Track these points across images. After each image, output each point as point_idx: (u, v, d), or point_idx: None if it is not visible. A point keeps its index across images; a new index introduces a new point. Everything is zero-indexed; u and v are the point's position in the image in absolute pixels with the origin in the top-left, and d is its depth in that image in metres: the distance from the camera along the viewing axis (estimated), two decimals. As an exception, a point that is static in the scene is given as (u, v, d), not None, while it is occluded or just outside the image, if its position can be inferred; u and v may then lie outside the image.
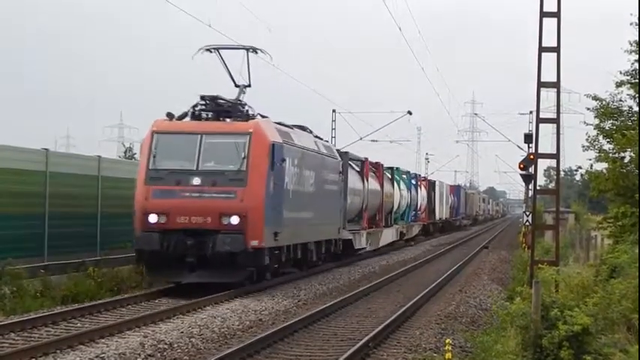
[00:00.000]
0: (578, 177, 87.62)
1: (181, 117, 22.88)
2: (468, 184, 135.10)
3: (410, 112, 60.36)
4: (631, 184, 22.86)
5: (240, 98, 24.14)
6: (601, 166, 25.16)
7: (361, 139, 60.46)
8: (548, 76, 20.50)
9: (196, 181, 21.52)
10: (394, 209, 47.12)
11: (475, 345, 15.38)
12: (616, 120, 24.63)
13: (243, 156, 21.76)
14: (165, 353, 14.04)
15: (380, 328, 16.78)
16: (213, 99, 23.09)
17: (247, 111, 23.44)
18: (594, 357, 12.52)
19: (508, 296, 21.66)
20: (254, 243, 21.47)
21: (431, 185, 65.88)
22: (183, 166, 21.90)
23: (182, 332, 15.73)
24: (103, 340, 14.63)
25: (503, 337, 14.85)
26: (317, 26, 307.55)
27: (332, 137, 58.12)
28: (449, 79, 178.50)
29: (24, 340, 14.97)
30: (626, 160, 23.87)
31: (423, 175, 66.26)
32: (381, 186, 42.34)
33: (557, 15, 20.21)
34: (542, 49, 20.27)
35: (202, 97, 23.08)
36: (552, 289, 17.48)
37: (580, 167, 30.72)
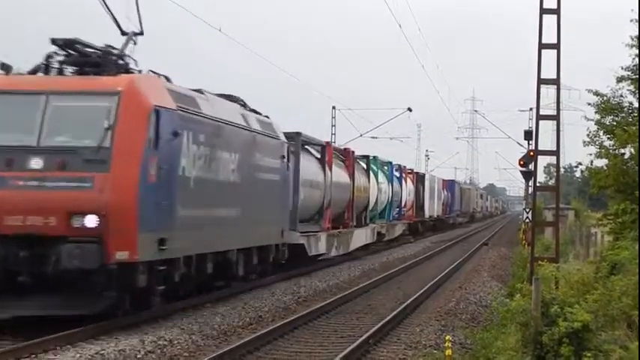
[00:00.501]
0: (578, 174, 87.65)
1: (32, 73, 16.25)
2: (468, 181, 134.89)
3: (410, 109, 60.61)
4: (631, 181, 22.84)
5: (128, 50, 17.16)
6: (601, 163, 25.16)
7: (361, 135, 60.66)
8: (549, 73, 20.55)
9: (36, 163, 14.85)
10: (370, 206, 39.93)
11: (475, 342, 15.38)
12: (616, 116, 24.62)
13: (106, 126, 14.92)
14: (165, 350, 14.03)
15: (380, 324, 16.79)
16: (69, 44, 16.22)
17: (128, 64, 16.73)
18: (594, 354, 12.51)
19: (508, 293, 21.67)
20: (121, 255, 14.72)
21: (419, 179, 58.94)
22: (17, 140, 15.16)
23: (182, 329, 15.72)
24: (103, 337, 14.62)
25: (504, 334, 14.86)
26: (317, 27, 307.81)
27: (332, 134, 58.34)
28: (449, 77, 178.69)
29: (24, 337, 14.94)
30: (626, 156, 23.86)
31: (409, 167, 57.48)
32: (352, 177, 34.89)
33: (557, 12, 20.24)
34: (542, 46, 20.30)
35: (54, 42, 16.19)
36: (552, 285, 17.48)
37: (580, 164, 30.76)
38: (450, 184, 79.32)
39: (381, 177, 43.58)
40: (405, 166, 53.35)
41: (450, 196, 77.61)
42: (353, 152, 36.29)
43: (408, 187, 52.96)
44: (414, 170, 53.65)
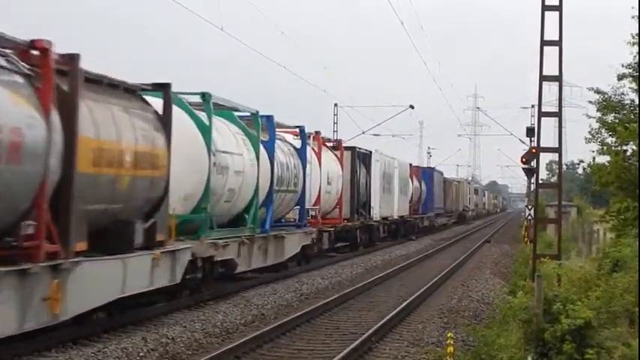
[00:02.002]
0: (580, 171, 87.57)
1: None
2: (470, 178, 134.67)
3: (412, 106, 60.67)
4: (633, 178, 22.85)
5: None
6: (603, 159, 25.17)
7: (363, 132, 60.54)
8: (550, 70, 20.58)
9: None
10: (183, 201, 18.13)
11: (477, 339, 15.38)
12: (618, 113, 24.62)
13: None
14: (167, 347, 14.04)
15: (382, 322, 16.80)
16: None
17: None
18: (597, 351, 12.52)
19: (510, 290, 21.67)
20: None
21: (359, 158, 37.00)
22: None
23: (184, 327, 15.72)
24: (105, 335, 14.63)
25: (506, 331, 14.86)
26: (317, 27, 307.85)
27: (334, 131, 58.25)
28: (451, 74, 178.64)
29: (26, 335, 14.94)
30: (628, 153, 23.86)
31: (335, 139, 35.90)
32: (57, 123, 12.27)
33: (558, 8, 20.26)
34: (543, 43, 20.32)
35: None
36: (554, 283, 17.49)
37: (582, 161, 30.74)
38: (425, 173, 60.77)
39: (232, 140, 20.79)
40: (317, 132, 30.52)
41: (426, 190, 59.43)
42: (64, 59, 12.91)
43: (328, 170, 30.93)
44: (303, 129, 27.87)
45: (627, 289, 15.19)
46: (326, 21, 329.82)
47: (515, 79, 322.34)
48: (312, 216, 28.93)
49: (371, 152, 40.54)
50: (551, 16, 20.33)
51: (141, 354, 13.45)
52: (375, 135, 63.85)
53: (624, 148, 24.01)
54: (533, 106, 53.49)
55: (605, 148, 24.33)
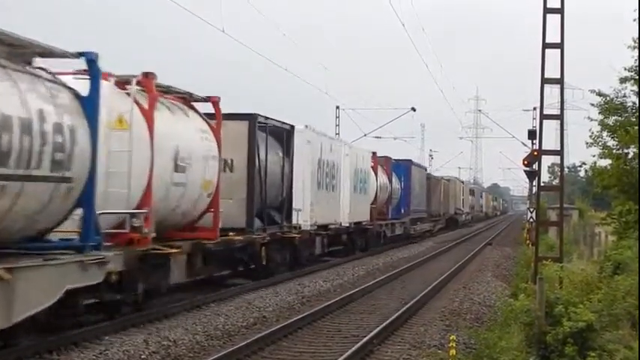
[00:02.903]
0: (582, 173, 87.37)
1: None
2: (472, 180, 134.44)
3: (414, 109, 60.74)
4: (634, 181, 22.86)
5: None
6: (605, 163, 25.18)
7: (365, 135, 60.51)
8: (552, 71, 20.60)
9: None
10: None
11: (479, 342, 15.38)
12: (620, 116, 24.62)
13: None
14: (169, 350, 14.04)
15: (384, 324, 16.79)
16: None
17: None
18: (599, 353, 12.53)
19: (512, 293, 21.68)
20: None
21: (264, 132, 23.46)
22: None
23: (186, 329, 15.73)
24: (107, 337, 14.64)
25: (508, 334, 14.85)
26: (317, 27, 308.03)
27: (336, 134, 58.29)
28: (452, 77, 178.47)
29: (28, 338, 14.94)
30: (629, 157, 23.86)
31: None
32: None
33: (560, 11, 20.28)
34: (545, 46, 20.32)
35: None
36: (556, 285, 17.50)
37: (584, 163, 30.68)
38: (398, 167, 47.16)
39: None
40: (148, 75, 16.55)
41: (401, 188, 47.35)
42: None
43: (177, 145, 17.36)
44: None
45: (629, 291, 15.21)
46: (326, 22, 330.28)
47: (515, 80, 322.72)
48: (133, 227, 15.72)
49: (293, 127, 26.39)
50: (552, 18, 20.36)
51: (142, 356, 13.46)
52: (376, 137, 63.86)
53: (625, 151, 24.02)
54: (534, 109, 53.55)
55: (606, 151, 24.33)
